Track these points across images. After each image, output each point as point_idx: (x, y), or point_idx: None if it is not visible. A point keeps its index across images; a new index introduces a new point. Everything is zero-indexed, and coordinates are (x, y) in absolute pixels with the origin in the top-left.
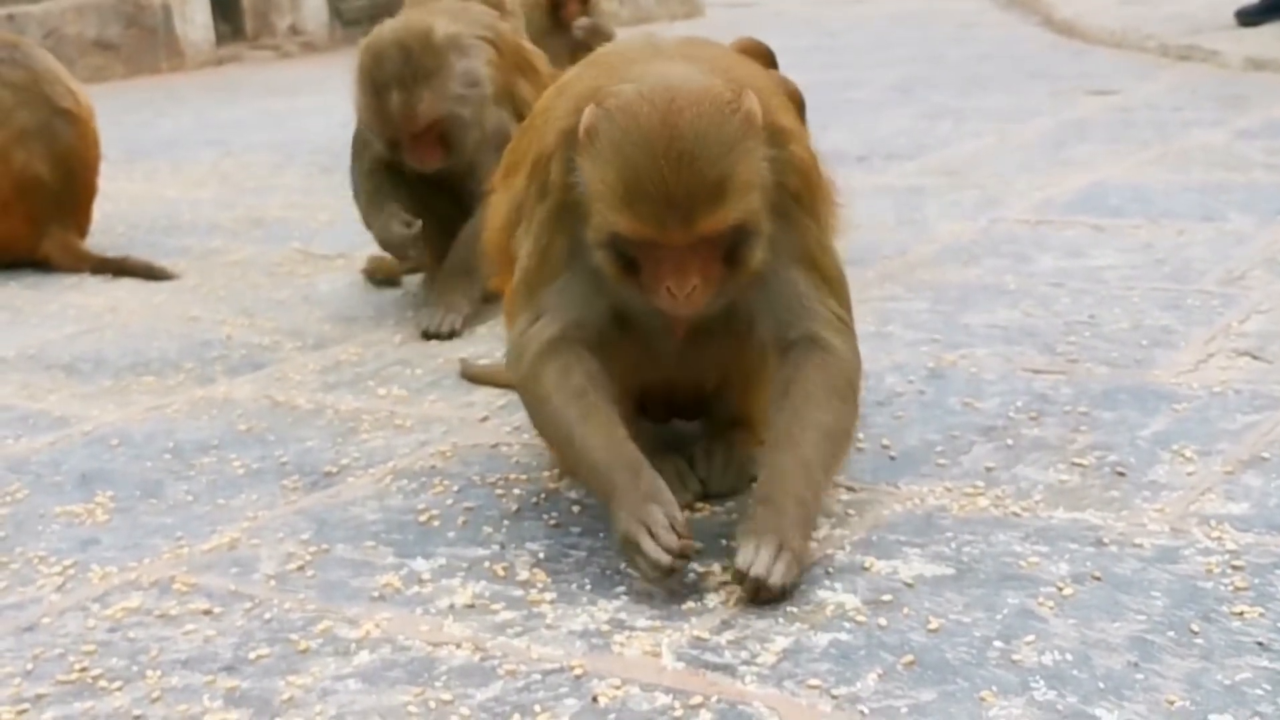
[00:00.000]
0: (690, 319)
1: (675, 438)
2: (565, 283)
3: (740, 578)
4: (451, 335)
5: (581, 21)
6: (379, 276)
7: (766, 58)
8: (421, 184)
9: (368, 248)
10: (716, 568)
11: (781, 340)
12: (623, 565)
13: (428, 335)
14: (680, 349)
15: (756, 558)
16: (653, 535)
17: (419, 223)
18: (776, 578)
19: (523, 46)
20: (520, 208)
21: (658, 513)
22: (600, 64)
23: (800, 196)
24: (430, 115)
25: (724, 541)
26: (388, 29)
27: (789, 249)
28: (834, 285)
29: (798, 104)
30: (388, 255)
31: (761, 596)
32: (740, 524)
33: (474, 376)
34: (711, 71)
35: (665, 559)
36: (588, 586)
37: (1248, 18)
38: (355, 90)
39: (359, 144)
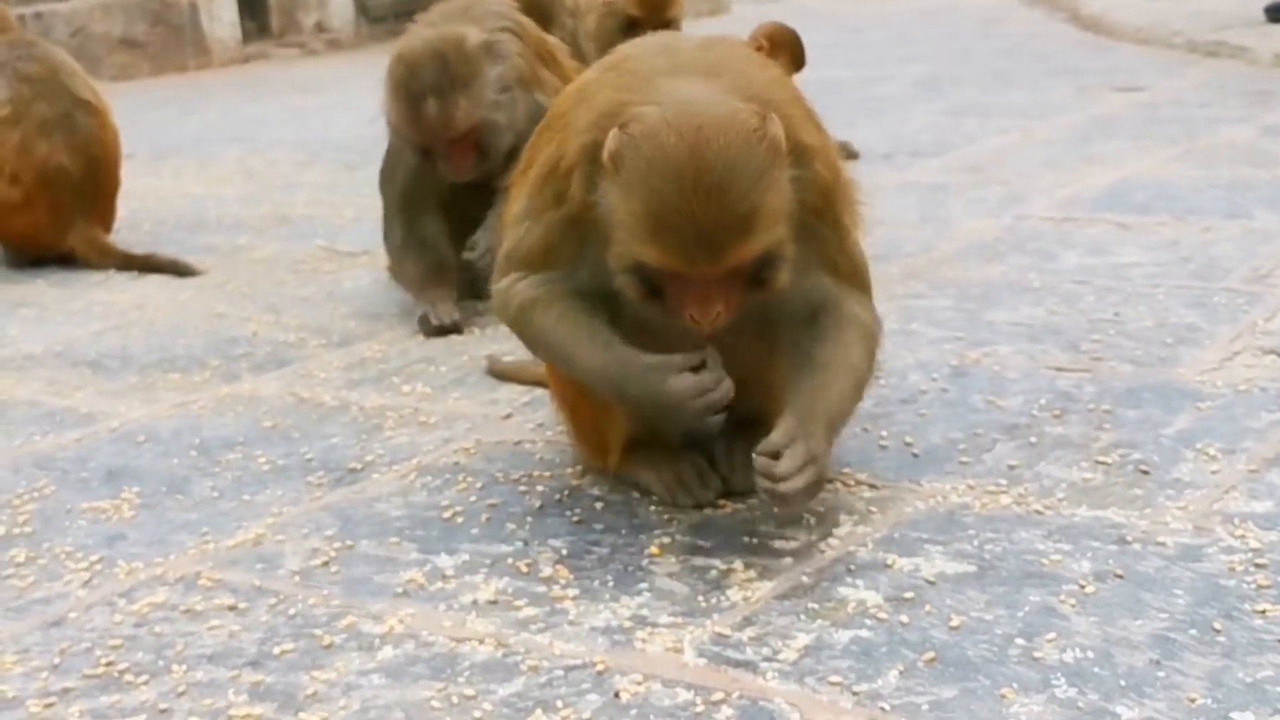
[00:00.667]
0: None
1: (695, 434)
2: (567, 273)
3: (764, 474)
4: (456, 329)
5: None
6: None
7: (793, 43)
8: (454, 185)
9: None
10: (739, 564)
11: (805, 316)
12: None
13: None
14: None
15: (781, 463)
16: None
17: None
18: (799, 484)
19: (544, 37)
20: (532, 201)
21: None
22: (621, 72)
23: (822, 211)
24: (467, 122)
25: (745, 539)
26: (419, 38)
27: (811, 258)
28: (856, 279)
29: (795, 51)
30: None
31: (781, 499)
32: (783, 419)
33: (500, 373)
34: (734, 89)
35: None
36: (610, 583)
37: (1277, 14)
38: (389, 100)
39: (390, 166)
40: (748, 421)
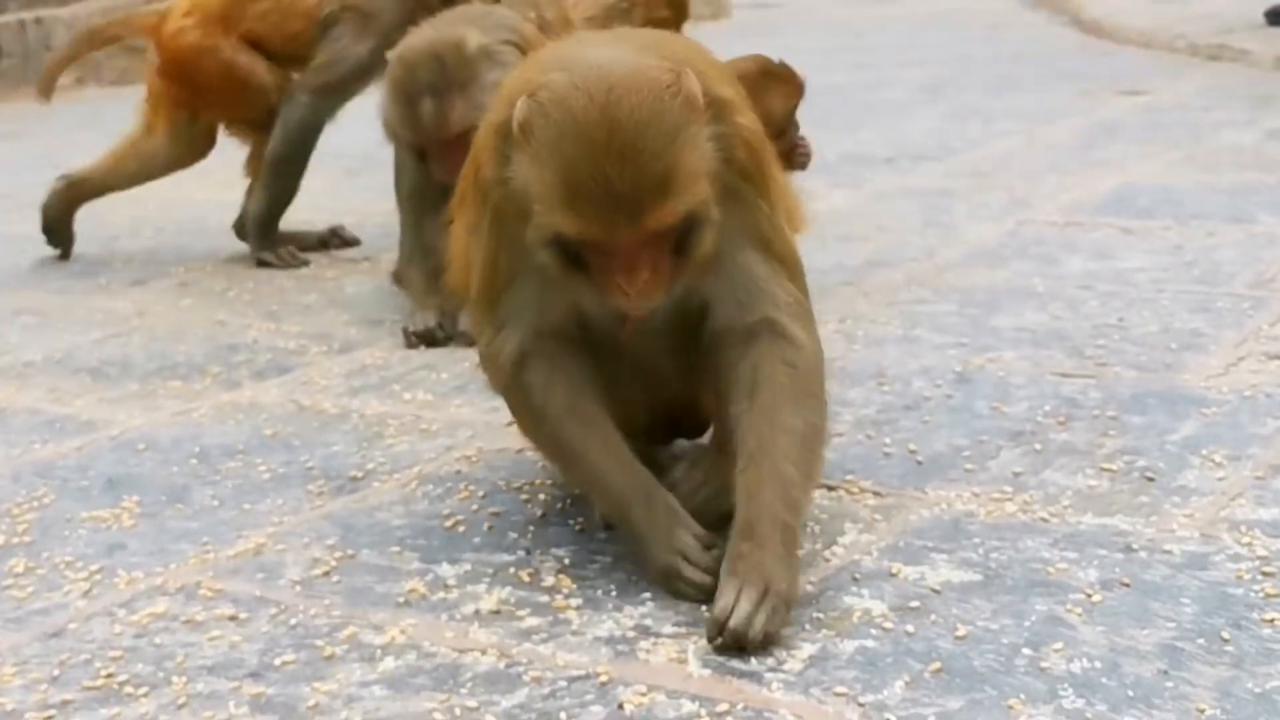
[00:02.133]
0: (643, 314)
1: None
2: (518, 289)
3: (718, 629)
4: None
5: None
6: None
7: (774, 75)
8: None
9: (395, 251)
10: None
11: (740, 325)
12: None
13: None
14: (641, 352)
15: (736, 606)
16: (689, 560)
17: (450, 314)
18: (757, 629)
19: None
20: (467, 213)
21: (686, 537)
22: (531, 59)
23: (749, 172)
24: (462, 124)
25: None
26: (420, 39)
27: (741, 230)
28: (790, 267)
29: (797, 91)
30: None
31: (742, 647)
32: (724, 559)
33: None
34: (645, 50)
35: (708, 580)
36: (613, 592)
37: (1277, 18)
38: (386, 99)
39: (398, 170)
40: (711, 447)
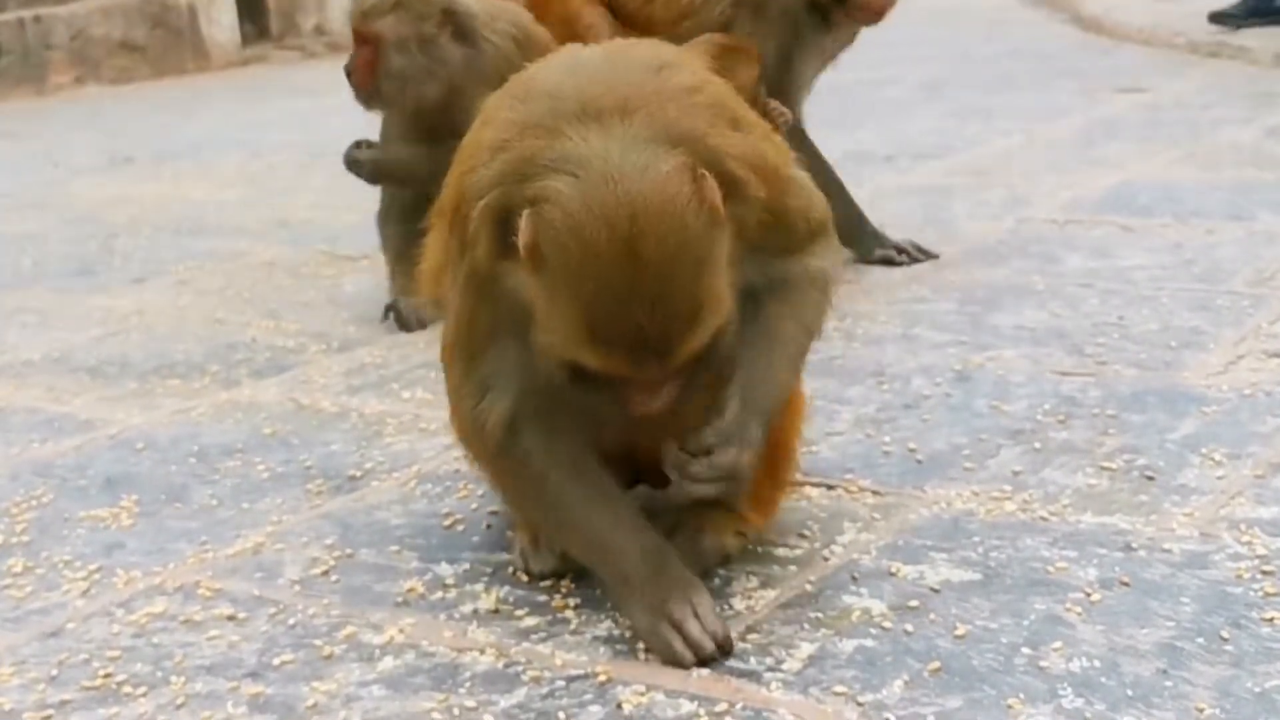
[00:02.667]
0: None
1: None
2: (497, 353)
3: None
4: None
5: None
6: None
7: (733, 50)
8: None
9: None
10: (742, 573)
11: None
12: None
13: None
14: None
15: (699, 463)
16: (698, 617)
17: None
18: (700, 491)
19: (549, 46)
20: (446, 252)
21: (704, 596)
22: (525, 104)
23: (765, 223)
24: (374, 30)
25: (749, 547)
26: None
27: (768, 254)
28: (817, 230)
29: (758, 60)
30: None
31: (687, 487)
32: (728, 404)
33: None
34: (654, 134)
35: (708, 644)
36: None
37: (1221, 18)
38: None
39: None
40: (695, 510)
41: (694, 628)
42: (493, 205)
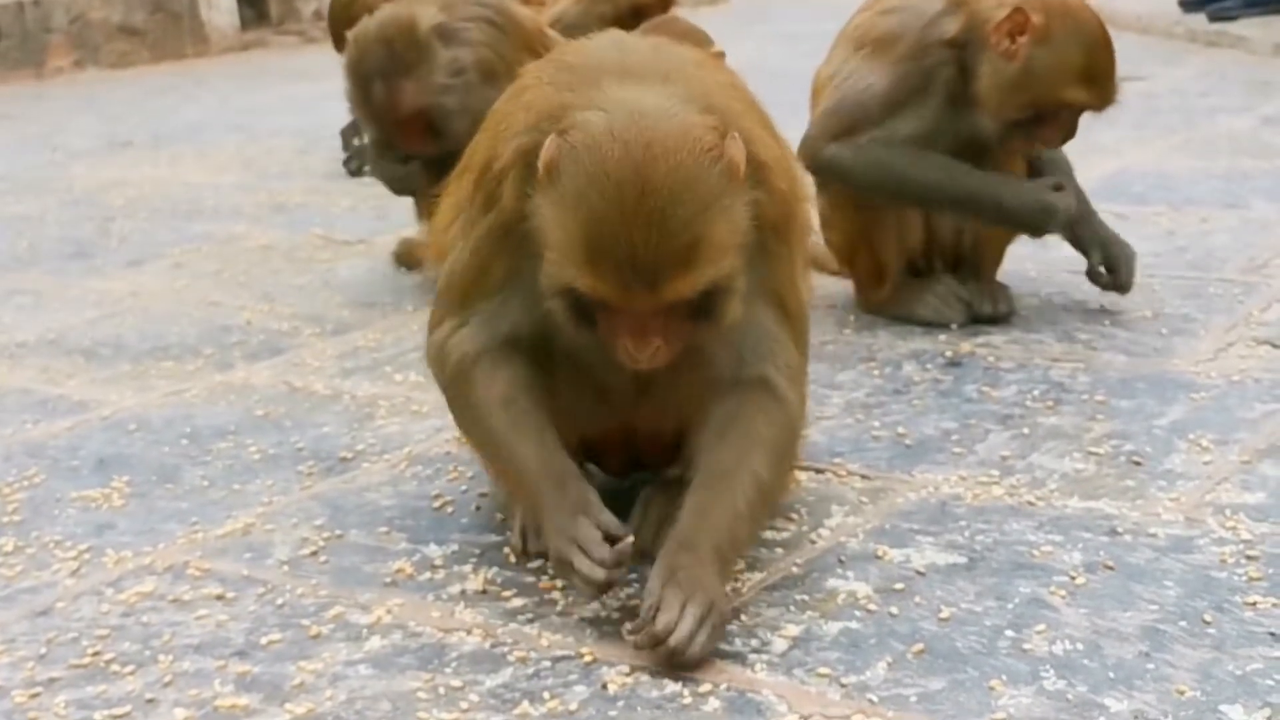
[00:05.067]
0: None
1: (615, 489)
2: (500, 302)
3: (654, 641)
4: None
5: None
6: (408, 261)
7: (689, 34)
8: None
9: (392, 233)
10: None
11: (735, 377)
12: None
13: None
14: (634, 389)
15: (680, 622)
16: (584, 551)
17: (415, 162)
18: (697, 649)
19: (540, 32)
20: (461, 209)
21: (587, 526)
22: (566, 69)
23: (779, 230)
24: (413, 105)
25: None
26: (373, 21)
27: (759, 284)
28: (797, 325)
29: (707, 42)
30: (417, 239)
31: (676, 664)
32: (657, 566)
33: None
34: (689, 98)
35: (599, 574)
36: None
37: (1192, 6)
38: (345, 81)
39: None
40: (677, 480)
41: (582, 564)
42: (525, 146)
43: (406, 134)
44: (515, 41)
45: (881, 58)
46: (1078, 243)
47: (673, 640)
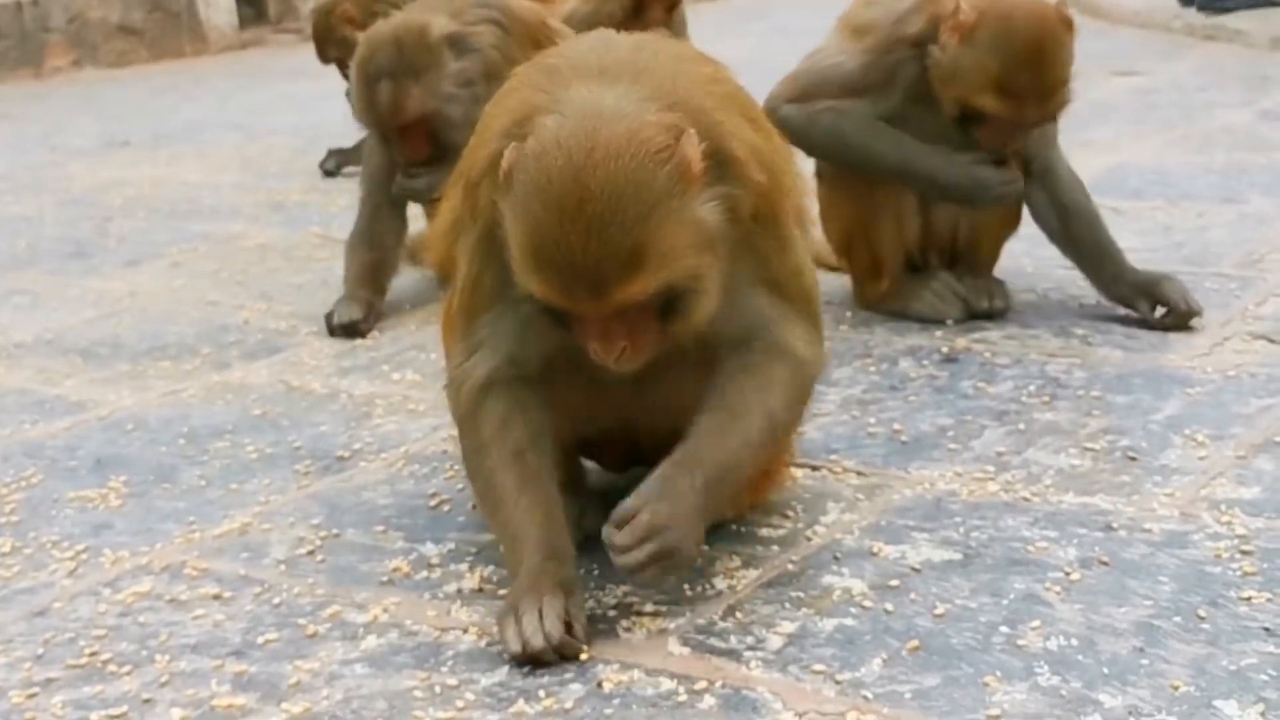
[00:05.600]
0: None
1: (613, 484)
2: (499, 314)
3: (611, 547)
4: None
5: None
6: (418, 259)
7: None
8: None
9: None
10: (724, 552)
11: (744, 345)
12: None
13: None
14: (631, 385)
15: (635, 551)
16: (541, 615)
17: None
18: (640, 579)
19: (543, 25)
20: (459, 222)
21: (559, 603)
22: (545, 70)
23: (763, 220)
24: (418, 110)
25: (732, 526)
26: (388, 24)
27: (751, 275)
28: (803, 306)
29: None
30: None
31: (618, 560)
32: (653, 477)
33: None
34: (653, 97)
35: (538, 640)
36: (595, 571)
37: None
38: (352, 80)
39: (367, 153)
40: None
41: (529, 622)
42: (494, 153)
43: (407, 138)
44: (519, 39)
45: (854, 44)
46: (1123, 301)
47: (620, 561)
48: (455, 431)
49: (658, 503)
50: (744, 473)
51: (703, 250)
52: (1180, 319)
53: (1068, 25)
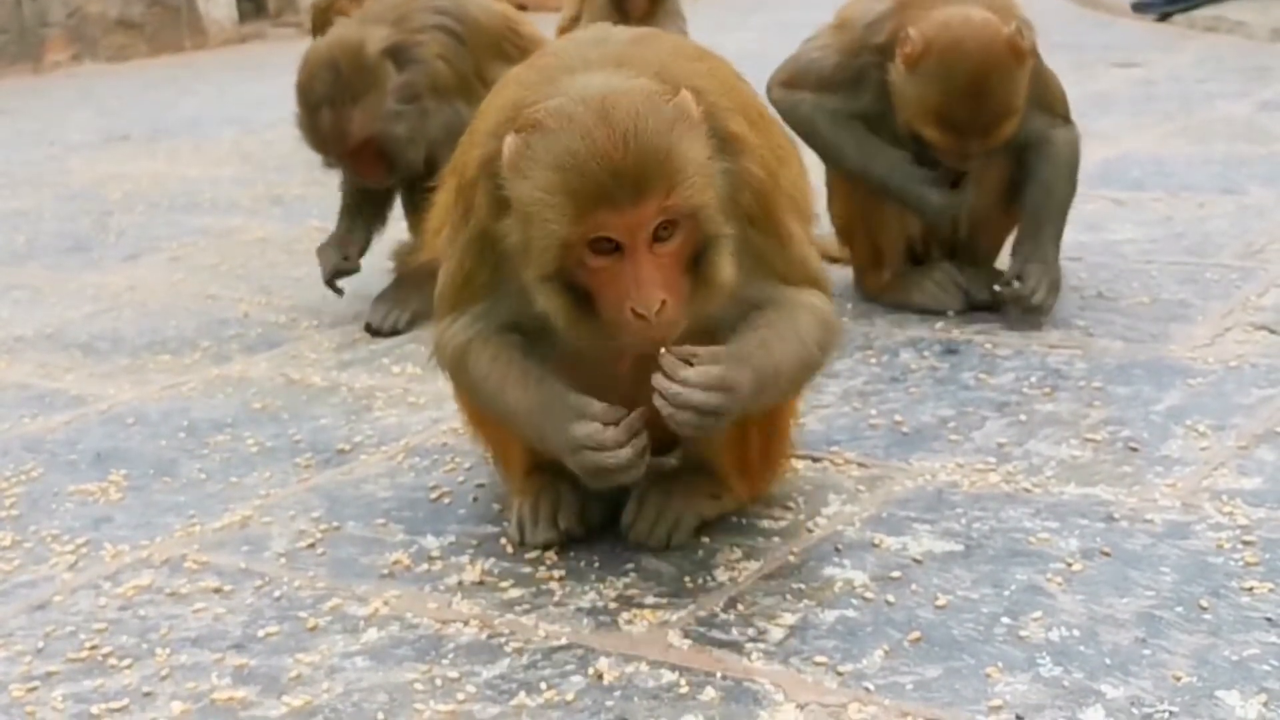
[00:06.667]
0: (650, 344)
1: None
2: (492, 303)
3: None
4: (394, 332)
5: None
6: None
7: None
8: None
9: (390, 224)
10: (726, 544)
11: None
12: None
13: (371, 331)
14: (631, 381)
15: (691, 370)
16: (599, 445)
17: (358, 262)
18: (691, 397)
19: (508, 30)
20: (450, 215)
21: (588, 425)
22: (535, 69)
23: (757, 218)
24: (361, 135)
25: (733, 518)
26: (324, 43)
27: (755, 274)
28: (813, 283)
29: None
30: (411, 244)
31: (665, 405)
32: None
33: None
34: (643, 74)
35: (624, 455)
36: (596, 564)
37: (1144, 8)
38: (296, 107)
39: None
40: (673, 469)
41: (604, 457)
42: (486, 155)
43: (357, 163)
44: (477, 47)
45: (834, 39)
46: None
47: (671, 390)
48: (449, 383)
49: (734, 365)
50: (781, 388)
51: (716, 200)
52: (1018, 298)
53: (1018, 56)
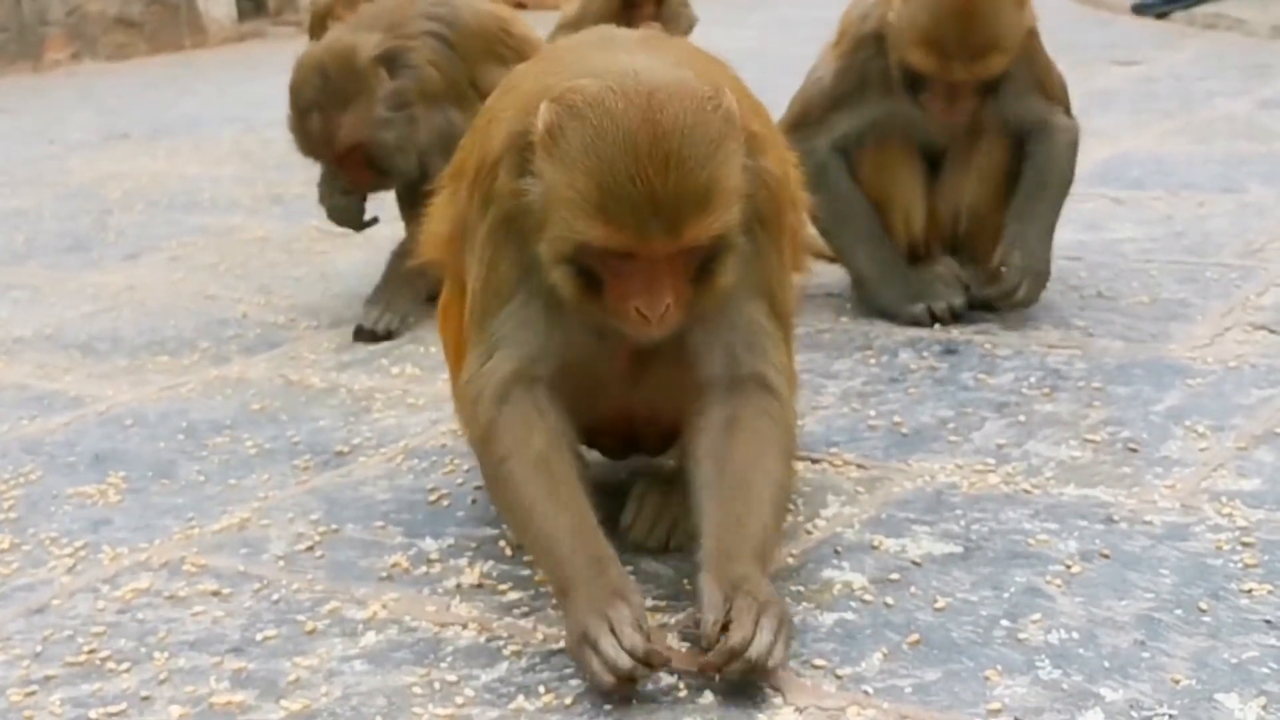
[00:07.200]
0: (646, 342)
1: (607, 483)
2: (517, 308)
3: (730, 656)
4: (389, 335)
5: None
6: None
7: None
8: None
9: (390, 224)
10: None
11: (730, 375)
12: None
13: (361, 335)
14: (629, 378)
15: (757, 635)
16: (615, 632)
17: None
18: (776, 659)
19: (503, 34)
20: (464, 220)
21: (623, 609)
22: (552, 59)
23: (767, 219)
24: (350, 140)
25: None
26: (317, 48)
27: (750, 276)
28: (787, 328)
29: None
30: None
31: (754, 675)
32: (708, 581)
33: None
34: (679, 65)
35: (624, 661)
36: None
37: (1143, 9)
38: (287, 110)
39: None
40: (669, 470)
41: (608, 645)
42: (515, 131)
43: (346, 168)
44: (469, 52)
45: (834, 51)
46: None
47: (753, 653)
48: (465, 434)
49: (749, 589)
50: (773, 549)
51: (739, 208)
52: (1003, 294)
53: None
